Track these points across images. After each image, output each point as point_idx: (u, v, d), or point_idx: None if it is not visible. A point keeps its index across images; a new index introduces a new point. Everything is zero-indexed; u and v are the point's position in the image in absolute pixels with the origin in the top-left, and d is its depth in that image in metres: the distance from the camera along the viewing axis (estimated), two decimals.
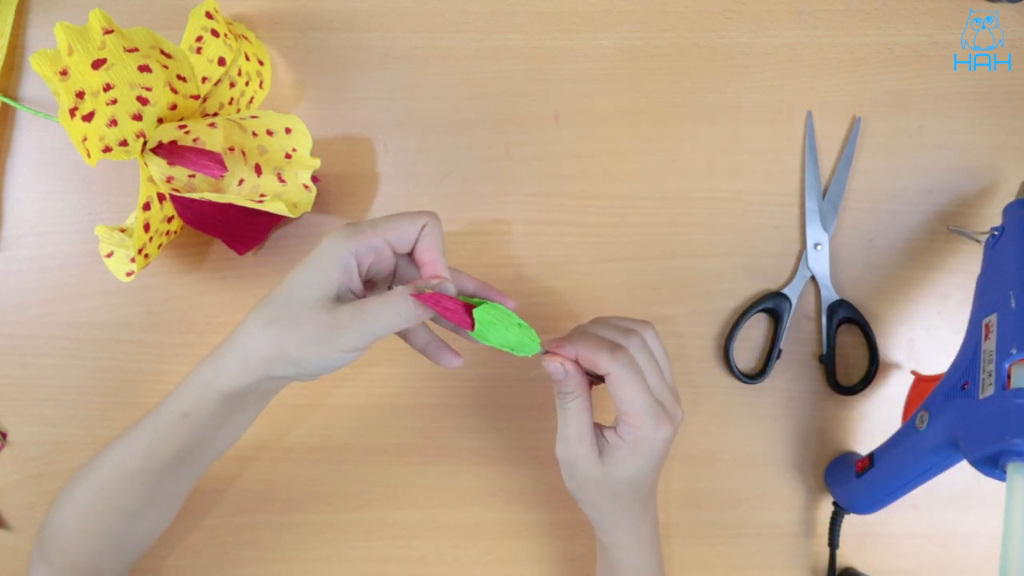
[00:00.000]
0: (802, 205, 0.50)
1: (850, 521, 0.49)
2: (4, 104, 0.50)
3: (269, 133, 0.46)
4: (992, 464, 0.35)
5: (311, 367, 0.36)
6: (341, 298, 0.36)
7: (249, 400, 0.38)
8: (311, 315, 0.35)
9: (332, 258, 0.35)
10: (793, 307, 0.50)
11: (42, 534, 0.42)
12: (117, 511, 0.40)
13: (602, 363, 0.37)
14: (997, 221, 0.45)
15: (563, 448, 0.39)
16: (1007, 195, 0.49)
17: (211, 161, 0.43)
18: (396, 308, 0.35)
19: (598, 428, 0.39)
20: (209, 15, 0.44)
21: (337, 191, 0.51)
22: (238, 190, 0.45)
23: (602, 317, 0.41)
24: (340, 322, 0.35)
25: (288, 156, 0.46)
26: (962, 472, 0.39)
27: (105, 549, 0.41)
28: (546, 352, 0.38)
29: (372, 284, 0.40)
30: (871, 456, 0.45)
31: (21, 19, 0.51)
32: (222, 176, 0.44)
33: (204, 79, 0.45)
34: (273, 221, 0.48)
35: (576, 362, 0.38)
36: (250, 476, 0.51)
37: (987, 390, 0.37)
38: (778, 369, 0.51)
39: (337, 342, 0.35)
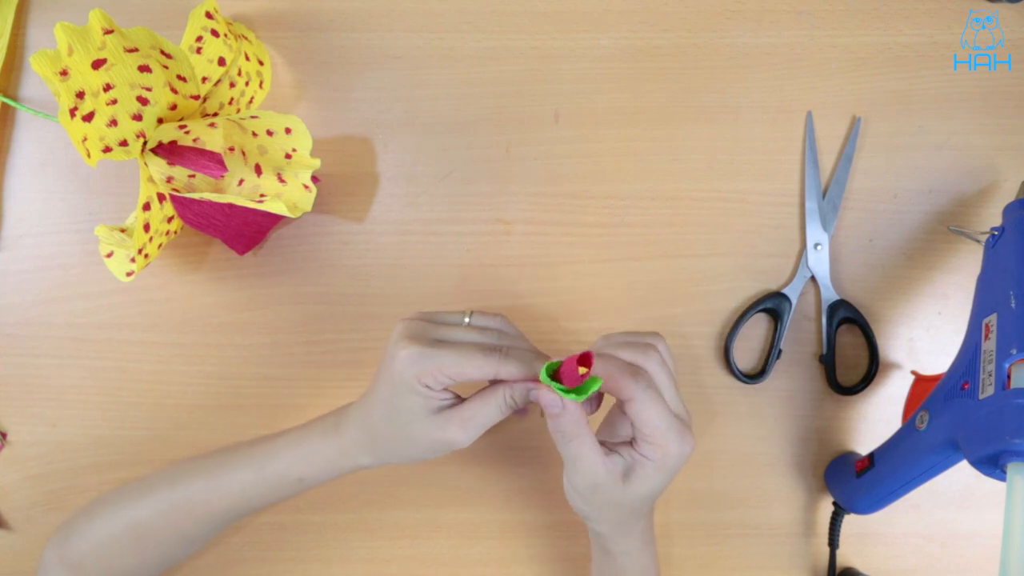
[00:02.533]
0: (802, 205, 0.50)
1: (850, 521, 0.49)
2: (4, 104, 0.50)
3: (269, 133, 0.46)
4: (992, 464, 0.35)
5: (424, 459, 0.40)
6: (442, 409, 0.38)
7: None
8: (421, 432, 0.38)
9: (407, 388, 0.37)
10: (793, 307, 0.50)
11: (70, 542, 0.42)
12: (179, 537, 0.42)
13: (625, 390, 0.35)
14: (997, 221, 0.45)
15: (579, 478, 0.37)
16: (1007, 195, 0.49)
17: (211, 161, 0.43)
18: (496, 405, 0.37)
19: (607, 447, 0.37)
20: (209, 15, 0.44)
21: (337, 191, 0.51)
22: (238, 190, 0.45)
23: (610, 334, 0.40)
24: (452, 437, 0.37)
25: (288, 156, 0.46)
26: (962, 472, 0.39)
27: (155, 566, 0.43)
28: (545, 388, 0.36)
29: None
30: (871, 456, 0.45)
31: (21, 19, 0.51)
32: (222, 176, 0.44)
33: (204, 79, 0.45)
34: (273, 221, 0.48)
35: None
36: None
37: (987, 390, 0.37)
38: (778, 369, 0.51)
39: (450, 447, 0.38)
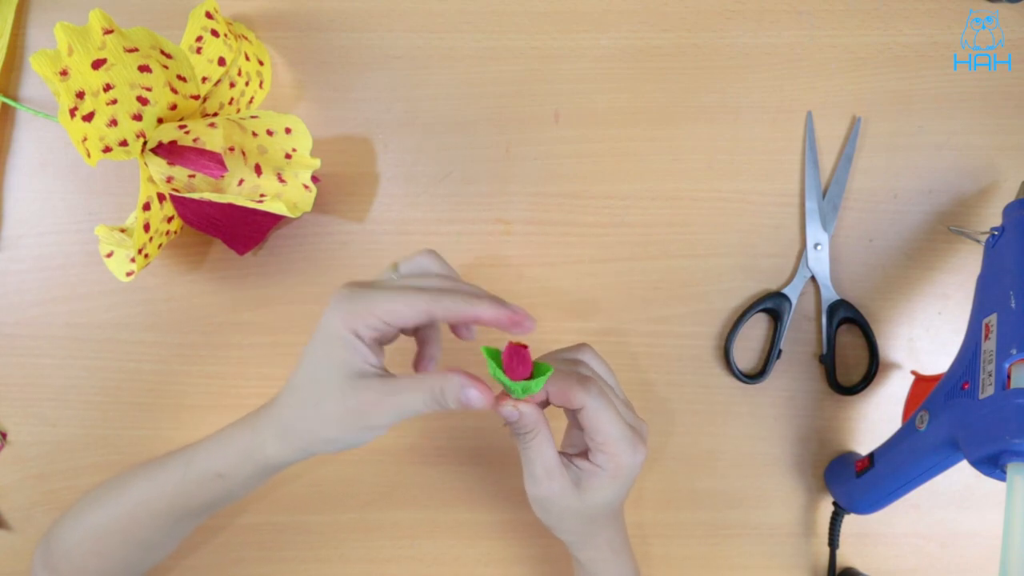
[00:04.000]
0: (802, 205, 0.50)
1: (850, 521, 0.49)
2: (4, 104, 0.50)
3: (269, 133, 0.46)
4: (992, 464, 0.35)
5: (343, 444, 0.35)
6: (363, 374, 0.34)
7: (286, 467, 0.39)
8: (334, 400, 0.34)
9: (333, 339, 0.34)
10: (793, 307, 0.50)
11: (49, 546, 0.42)
12: (137, 543, 0.41)
13: (576, 397, 0.35)
14: (997, 221, 0.45)
15: (534, 487, 0.36)
16: (1007, 195, 0.49)
17: (211, 161, 0.43)
18: (423, 392, 0.34)
19: (565, 457, 0.37)
20: (209, 15, 0.44)
21: (337, 191, 0.51)
22: (238, 190, 0.45)
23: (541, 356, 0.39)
24: (364, 407, 0.34)
25: (288, 156, 0.46)
26: (962, 472, 0.39)
27: (116, 572, 0.42)
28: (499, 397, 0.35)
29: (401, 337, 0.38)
30: (871, 456, 0.45)
31: (21, 19, 0.51)
32: (222, 176, 0.44)
33: (204, 79, 0.45)
34: (273, 221, 0.48)
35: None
36: None
37: (987, 390, 0.37)
38: (778, 369, 0.51)
39: (363, 423, 0.34)
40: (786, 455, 0.51)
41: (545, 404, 0.37)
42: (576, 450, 0.39)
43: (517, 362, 0.34)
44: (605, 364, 0.39)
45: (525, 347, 0.34)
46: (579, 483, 0.37)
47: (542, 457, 0.36)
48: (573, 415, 0.37)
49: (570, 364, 0.38)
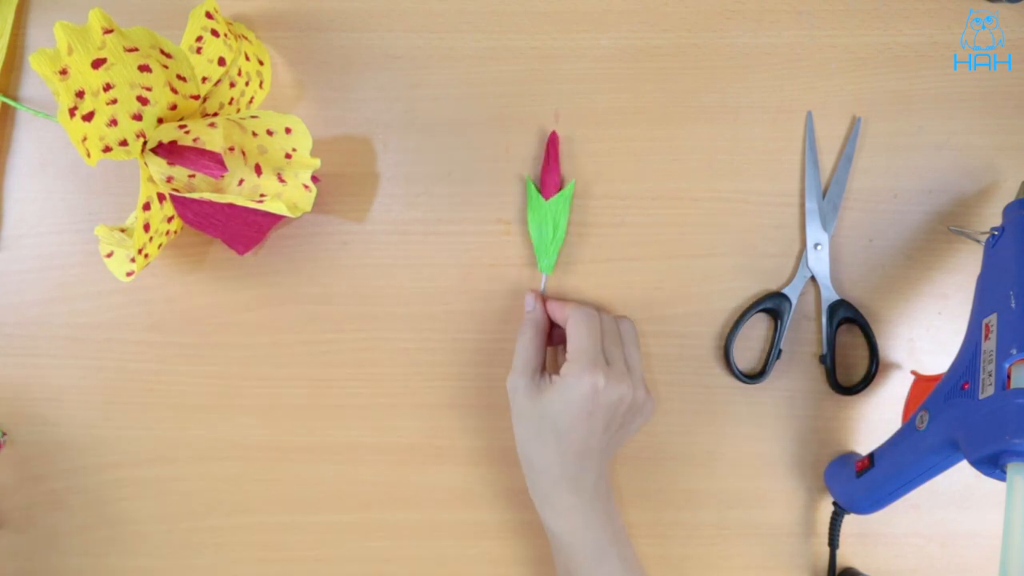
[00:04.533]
0: (802, 205, 0.50)
1: (850, 521, 0.49)
2: (4, 104, 0.50)
3: (269, 133, 0.46)
4: (992, 464, 0.35)
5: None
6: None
7: None
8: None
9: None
10: (793, 307, 0.50)
11: None
12: None
13: (565, 310, 0.44)
14: (997, 221, 0.45)
15: (510, 377, 0.44)
16: (1007, 195, 0.49)
17: (211, 161, 0.43)
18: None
19: (546, 372, 0.44)
20: (209, 15, 0.44)
21: (337, 191, 0.51)
22: (238, 190, 0.45)
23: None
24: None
25: (288, 156, 0.46)
26: (962, 472, 0.39)
27: None
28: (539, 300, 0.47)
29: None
30: (871, 456, 0.45)
31: (21, 19, 0.51)
32: (222, 176, 0.44)
33: (204, 79, 0.45)
34: (273, 221, 0.48)
35: (545, 307, 0.47)
36: (250, 476, 0.51)
37: (987, 390, 0.37)
38: (778, 369, 0.51)
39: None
40: (786, 455, 0.51)
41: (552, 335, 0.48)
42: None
43: (550, 183, 0.48)
44: (635, 337, 0.47)
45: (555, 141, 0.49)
46: (538, 387, 0.43)
47: (525, 351, 0.44)
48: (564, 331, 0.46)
49: (601, 309, 0.47)
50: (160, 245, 0.46)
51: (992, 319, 0.39)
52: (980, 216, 0.50)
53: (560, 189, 0.49)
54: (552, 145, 0.48)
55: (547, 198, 0.48)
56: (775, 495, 0.51)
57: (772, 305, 0.50)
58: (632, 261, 0.51)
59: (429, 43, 0.50)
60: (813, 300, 0.51)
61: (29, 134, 0.51)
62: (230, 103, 0.47)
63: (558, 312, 0.46)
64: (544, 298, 0.48)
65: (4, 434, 0.51)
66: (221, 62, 0.45)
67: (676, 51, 0.50)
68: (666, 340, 0.51)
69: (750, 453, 0.51)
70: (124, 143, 0.41)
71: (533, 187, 0.49)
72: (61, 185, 0.51)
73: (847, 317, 0.50)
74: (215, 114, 0.47)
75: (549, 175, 0.48)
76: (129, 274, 0.46)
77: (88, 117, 0.38)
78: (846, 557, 0.51)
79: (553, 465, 0.41)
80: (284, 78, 0.51)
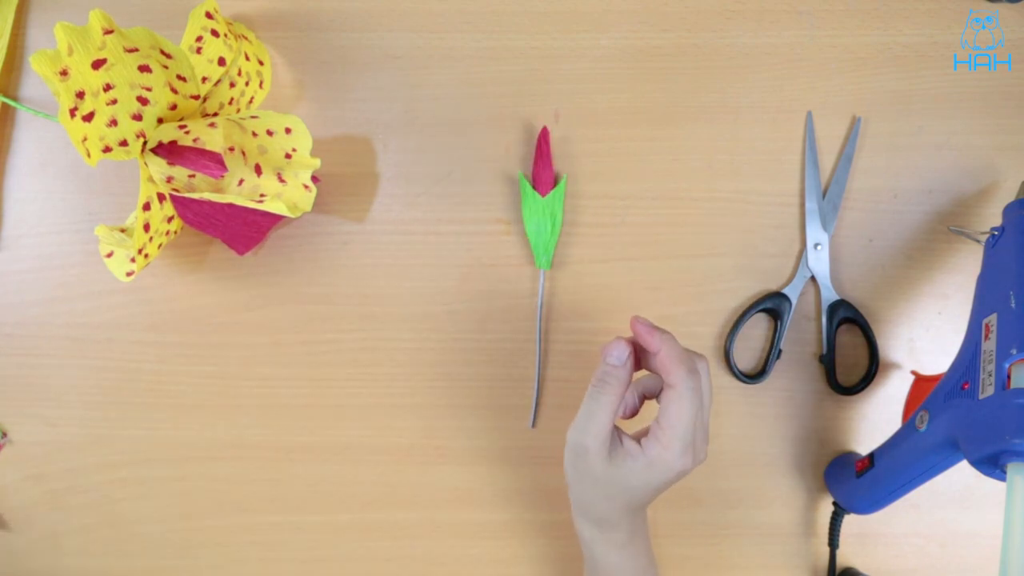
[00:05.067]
0: (802, 205, 0.50)
1: (850, 521, 0.49)
2: (4, 104, 0.50)
3: (269, 133, 0.46)
4: (992, 464, 0.35)
5: None
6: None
7: None
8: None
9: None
10: (793, 307, 0.50)
11: None
12: None
13: (676, 375, 0.37)
14: (997, 221, 0.45)
15: (576, 435, 0.38)
16: (1007, 195, 0.49)
17: (211, 161, 0.43)
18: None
19: (617, 431, 0.39)
20: (209, 15, 0.44)
21: (337, 191, 0.51)
22: (238, 190, 0.45)
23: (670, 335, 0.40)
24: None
25: (288, 156, 0.46)
26: (962, 472, 0.39)
27: None
28: (634, 321, 0.38)
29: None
30: (871, 456, 0.45)
31: (21, 19, 0.51)
32: (222, 176, 0.44)
33: (204, 79, 0.45)
34: (273, 221, 0.48)
35: (636, 358, 0.39)
36: (250, 476, 0.51)
37: (987, 390, 0.37)
38: (778, 369, 0.51)
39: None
40: (786, 455, 0.51)
41: (640, 402, 0.42)
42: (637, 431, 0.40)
43: (544, 180, 0.48)
44: (710, 383, 0.40)
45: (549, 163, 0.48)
46: (613, 454, 0.38)
47: (602, 412, 0.37)
48: (659, 392, 0.40)
49: (694, 356, 0.38)
50: (160, 245, 0.46)
51: (992, 319, 0.39)
52: (980, 216, 0.50)
53: (554, 185, 0.49)
54: (543, 141, 0.48)
55: (543, 195, 0.48)
56: (775, 495, 0.51)
57: (772, 305, 0.50)
58: (632, 261, 0.51)
59: (429, 43, 0.50)
60: (813, 300, 0.51)
61: (29, 134, 0.51)
62: (230, 103, 0.47)
63: (648, 338, 0.38)
64: (638, 320, 0.38)
65: (4, 434, 0.51)
66: (221, 62, 0.45)
67: (676, 51, 0.50)
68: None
69: (750, 453, 0.51)
70: (124, 143, 0.41)
71: (527, 184, 0.49)
72: (61, 185, 0.51)
73: (847, 317, 0.50)
74: (215, 114, 0.47)
75: (542, 171, 0.48)
76: (129, 274, 0.46)
77: (88, 117, 0.38)
78: (846, 557, 0.51)
79: (615, 515, 0.40)
80: (284, 78, 0.51)
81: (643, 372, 0.41)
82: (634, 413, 0.42)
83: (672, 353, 0.37)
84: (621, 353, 0.38)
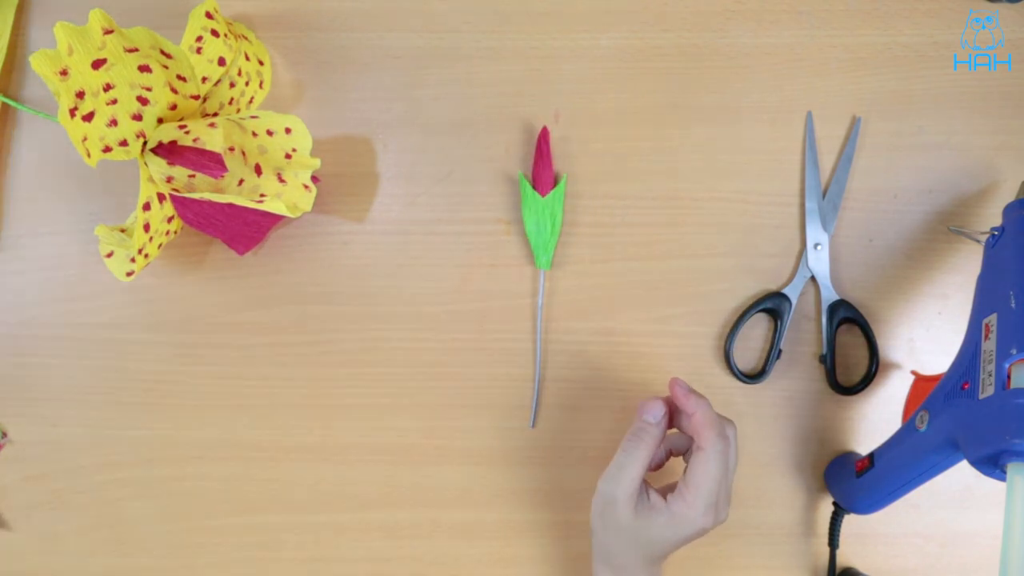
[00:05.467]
0: (802, 205, 0.50)
1: (850, 521, 0.49)
2: (4, 104, 0.50)
3: (269, 133, 0.46)
4: (992, 464, 0.35)
5: None
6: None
7: None
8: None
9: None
10: (793, 307, 0.50)
11: None
12: None
13: (707, 438, 0.38)
14: (997, 221, 0.45)
15: (607, 485, 0.40)
16: (1007, 195, 0.49)
17: (211, 161, 0.43)
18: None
19: (644, 484, 0.40)
20: (209, 15, 0.44)
21: (337, 191, 0.51)
22: (238, 190, 0.45)
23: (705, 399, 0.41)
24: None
25: (288, 156, 0.46)
26: (962, 472, 0.39)
27: None
28: (672, 383, 0.40)
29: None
30: (871, 456, 0.45)
31: (21, 19, 0.51)
32: (222, 176, 0.44)
33: (204, 79, 0.45)
34: (273, 221, 0.48)
35: (671, 415, 0.41)
36: (250, 476, 0.51)
37: (987, 390, 0.37)
38: (778, 369, 0.51)
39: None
40: (786, 455, 0.51)
41: (667, 457, 0.44)
42: (664, 484, 0.42)
43: (544, 182, 0.48)
44: (737, 448, 0.41)
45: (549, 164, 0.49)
46: (640, 506, 0.39)
47: (635, 465, 0.39)
48: (687, 450, 0.42)
49: (723, 420, 0.40)
50: (160, 245, 0.46)
51: (992, 319, 0.39)
52: (980, 216, 0.50)
53: (554, 185, 0.49)
54: (543, 141, 0.48)
55: (543, 195, 0.48)
56: (775, 495, 0.51)
57: (772, 305, 0.50)
58: (632, 261, 0.51)
59: (429, 43, 0.50)
60: (813, 300, 0.51)
61: (29, 134, 0.51)
62: (230, 103, 0.47)
63: (685, 401, 0.40)
64: (676, 383, 0.40)
65: (4, 434, 0.51)
66: (221, 62, 0.45)
67: (676, 51, 0.50)
68: (666, 340, 0.51)
69: (750, 453, 0.51)
70: (124, 143, 0.41)
71: (527, 184, 0.49)
72: (61, 185, 0.51)
73: (847, 317, 0.50)
74: (215, 114, 0.47)
75: (542, 171, 0.48)
76: (129, 274, 0.46)
77: (88, 117, 0.38)
78: (846, 557, 0.51)
79: (634, 565, 0.41)
80: (284, 78, 0.51)
81: (673, 430, 0.42)
82: (659, 467, 0.44)
83: (705, 417, 0.39)
84: (657, 412, 0.40)
